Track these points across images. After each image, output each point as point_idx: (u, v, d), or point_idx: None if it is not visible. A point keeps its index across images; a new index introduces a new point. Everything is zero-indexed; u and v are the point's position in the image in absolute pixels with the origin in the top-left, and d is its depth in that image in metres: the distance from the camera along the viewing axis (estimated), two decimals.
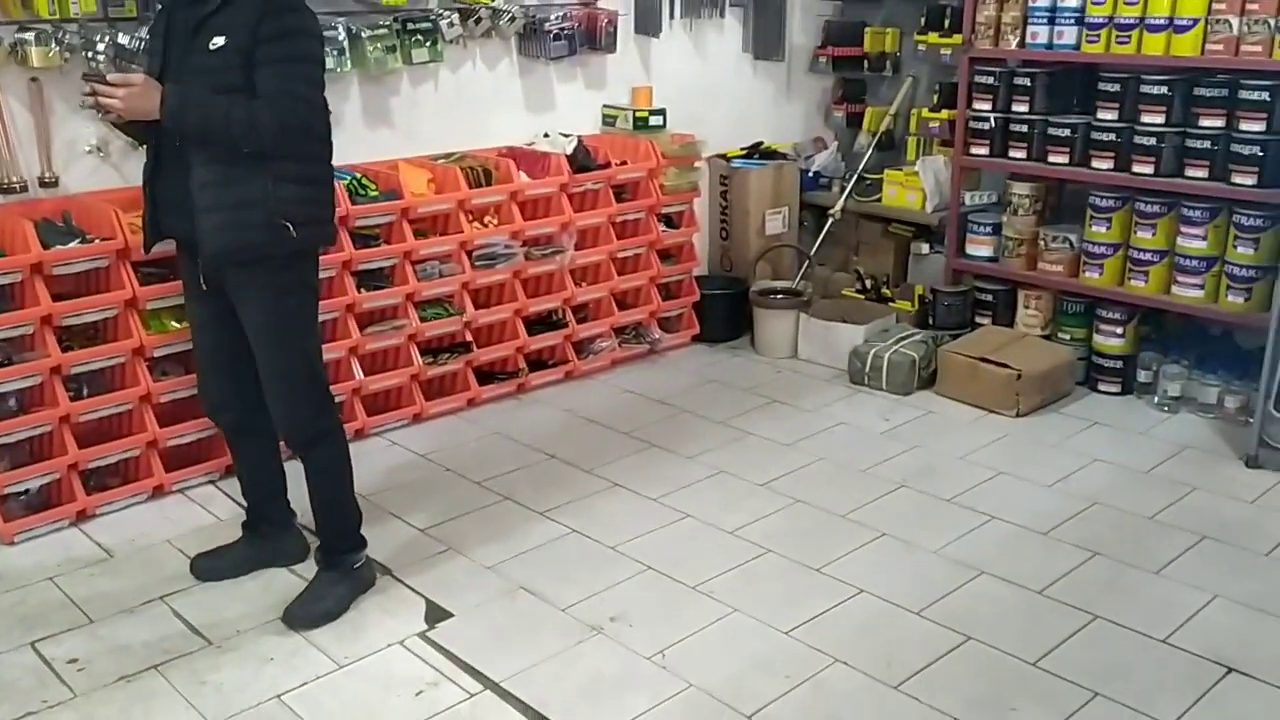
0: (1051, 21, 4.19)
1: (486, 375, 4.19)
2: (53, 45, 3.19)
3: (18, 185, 3.26)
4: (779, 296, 4.75)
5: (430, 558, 3.07)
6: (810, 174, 5.14)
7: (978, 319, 4.54)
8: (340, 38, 3.73)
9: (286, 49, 2.49)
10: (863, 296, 4.88)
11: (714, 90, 4.97)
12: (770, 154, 5.04)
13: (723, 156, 4.96)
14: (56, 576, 2.98)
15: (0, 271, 3.05)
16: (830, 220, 4.94)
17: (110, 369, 3.30)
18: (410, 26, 3.94)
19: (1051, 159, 4.27)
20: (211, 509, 3.36)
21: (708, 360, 4.67)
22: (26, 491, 3.20)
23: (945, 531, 3.19)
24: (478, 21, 4.11)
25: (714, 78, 4.98)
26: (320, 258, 2.81)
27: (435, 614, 2.80)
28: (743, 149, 5.03)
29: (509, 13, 4.20)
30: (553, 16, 4.33)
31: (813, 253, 4.95)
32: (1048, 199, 4.44)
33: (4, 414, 3.13)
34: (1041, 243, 4.35)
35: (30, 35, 3.15)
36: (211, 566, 2.97)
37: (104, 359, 3.26)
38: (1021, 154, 4.34)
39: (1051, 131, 4.25)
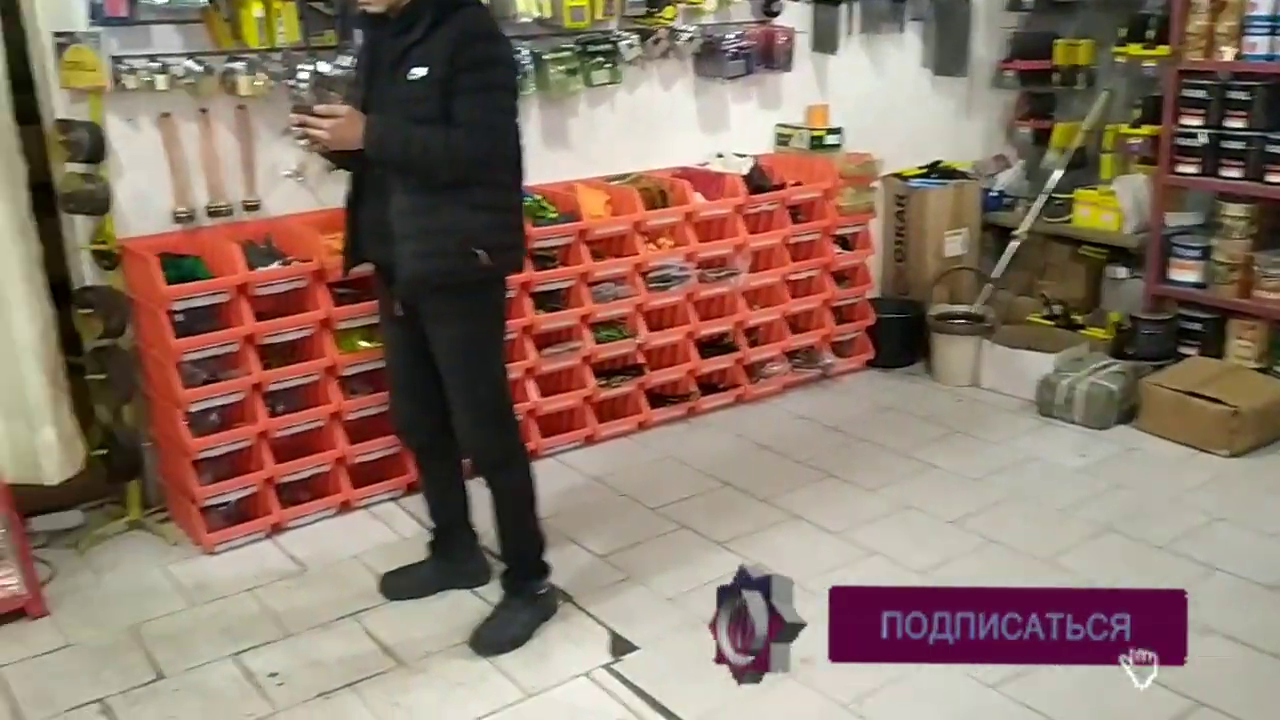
0: (1273, 31, 3.87)
1: (658, 398, 4.14)
2: (259, 74, 3.32)
3: (224, 209, 3.41)
4: (960, 321, 4.54)
5: (610, 585, 3.03)
6: (993, 193, 4.91)
7: (1181, 349, 4.23)
8: (526, 61, 3.77)
9: (483, 78, 2.50)
10: (1051, 323, 4.62)
11: (891, 107, 4.80)
12: (949, 173, 4.84)
13: (899, 175, 4.79)
14: (255, 588, 3.07)
15: (211, 291, 3.19)
16: (1015, 242, 4.70)
17: (304, 386, 3.40)
18: (591, 49, 3.95)
19: (1270, 178, 3.94)
20: (394, 526, 3.41)
21: (882, 386, 4.50)
22: (226, 503, 3.32)
23: (1161, 582, 2.94)
24: (656, 42, 4.09)
25: (891, 94, 4.81)
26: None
27: (620, 645, 2.76)
28: (920, 168, 4.85)
29: (687, 32, 4.16)
30: (730, 35, 4.27)
31: (997, 275, 4.71)
32: (1264, 221, 4.10)
33: (207, 428, 3.26)
34: (1257, 268, 4.02)
35: (240, 65, 3.29)
36: (399, 585, 3.01)
37: (300, 376, 3.35)
38: (1236, 173, 4.03)
39: (1270, 149, 3.93)
